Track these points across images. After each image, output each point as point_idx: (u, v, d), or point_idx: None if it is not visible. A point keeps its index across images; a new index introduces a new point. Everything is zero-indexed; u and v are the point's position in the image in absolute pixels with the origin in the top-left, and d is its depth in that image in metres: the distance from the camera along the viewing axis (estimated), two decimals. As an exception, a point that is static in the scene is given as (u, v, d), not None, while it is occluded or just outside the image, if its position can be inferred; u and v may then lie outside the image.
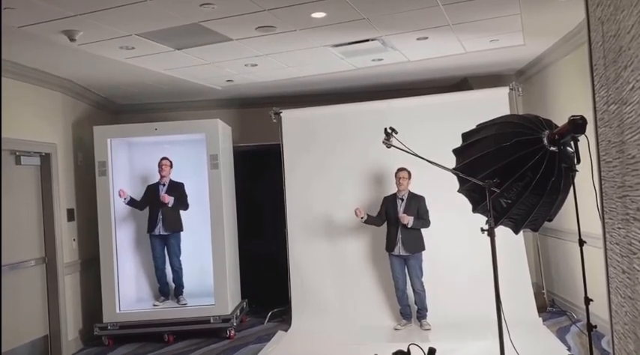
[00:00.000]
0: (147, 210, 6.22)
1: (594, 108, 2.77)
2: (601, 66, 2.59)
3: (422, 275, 5.76)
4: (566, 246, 5.88)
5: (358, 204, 6.21)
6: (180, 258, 6.32)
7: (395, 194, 5.83)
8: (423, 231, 5.75)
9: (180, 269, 6.32)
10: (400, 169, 5.75)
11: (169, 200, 6.03)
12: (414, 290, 5.78)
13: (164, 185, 6.18)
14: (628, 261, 2.40)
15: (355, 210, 5.71)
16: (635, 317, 2.35)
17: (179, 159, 6.37)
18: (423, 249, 5.76)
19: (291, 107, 6.60)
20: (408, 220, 5.60)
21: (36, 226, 5.51)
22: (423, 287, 5.75)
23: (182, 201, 6.19)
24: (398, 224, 5.68)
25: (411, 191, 5.78)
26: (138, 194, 6.30)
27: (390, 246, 5.76)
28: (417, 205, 5.73)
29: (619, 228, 2.51)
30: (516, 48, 5.57)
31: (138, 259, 6.52)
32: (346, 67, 5.90)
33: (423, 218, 5.71)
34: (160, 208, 6.10)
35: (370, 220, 5.81)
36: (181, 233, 6.31)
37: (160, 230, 6.15)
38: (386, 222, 5.84)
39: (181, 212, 6.25)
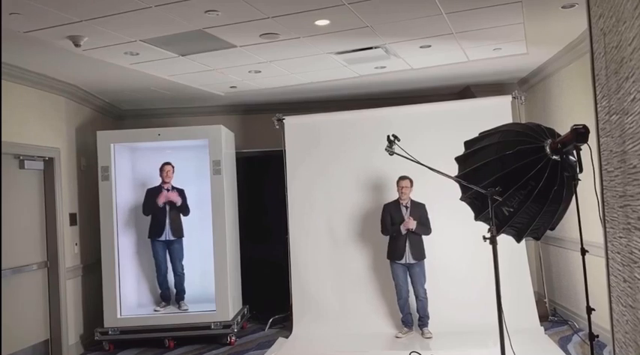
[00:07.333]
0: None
1: (596, 118, 2.78)
2: (603, 76, 2.60)
3: (425, 282, 5.75)
4: (568, 255, 5.87)
5: (360, 210, 6.24)
6: (183, 263, 6.34)
7: (397, 201, 5.81)
8: (425, 238, 5.75)
9: (183, 274, 6.34)
10: (402, 178, 5.73)
11: (177, 200, 6.12)
12: (416, 297, 5.76)
13: (168, 190, 6.20)
14: (629, 269, 2.40)
15: (407, 221, 5.63)
16: (636, 326, 2.35)
17: (182, 165, 6.39)
18: (425, 257, 5.76)
19: (294, 113, 6.63)
20: (414, 224, 5.60)
21: (38, 230, 5.52)
22: (425, 294, 5.74)
23: (186, 207, 6.24)
24: (406, 232, 5.67)
25: (412, 199, 5.79)
26: (141, 198, 6.31)
27: (396, 255, 5.72)
28: (420, 213, 5.74)
29: (620, 237, 2.52)
30: (519, 56, 5.59)
31: (139, 264, 6.52)
32: (349, 75, 5.92)
33: (425, 225, 5.73)
34: (168, 214, 6.14)
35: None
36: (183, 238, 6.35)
37: (167, 235, 6.17)
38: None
39: (182, 217, 6.29)
